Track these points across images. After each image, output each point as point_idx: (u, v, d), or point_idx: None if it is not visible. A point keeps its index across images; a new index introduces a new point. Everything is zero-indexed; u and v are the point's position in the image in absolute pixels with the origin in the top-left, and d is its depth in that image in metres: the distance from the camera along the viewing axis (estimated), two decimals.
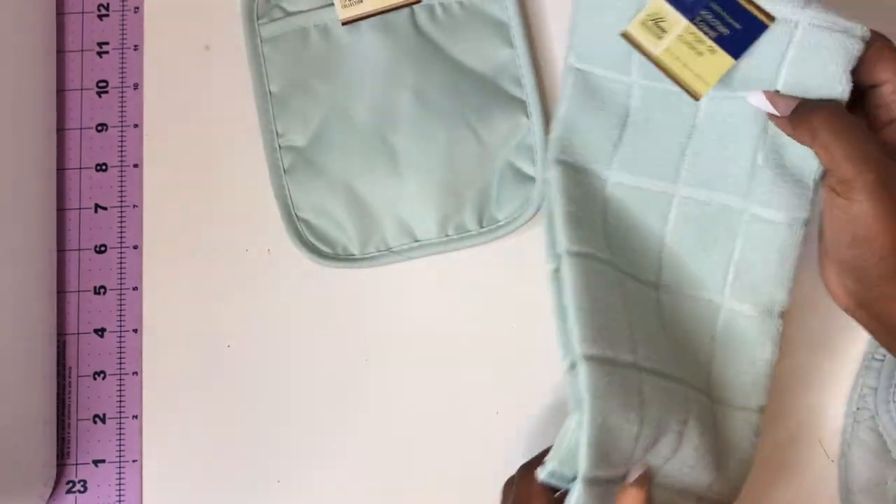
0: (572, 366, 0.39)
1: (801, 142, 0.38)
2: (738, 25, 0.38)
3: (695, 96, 0.39)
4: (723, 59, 0.38)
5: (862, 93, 0.39)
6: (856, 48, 0.37)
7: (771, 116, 0.40)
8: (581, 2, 0.43)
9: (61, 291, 0.50)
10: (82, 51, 0.52)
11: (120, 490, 0.48)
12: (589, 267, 0.42)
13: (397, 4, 0.47)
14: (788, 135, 0.39)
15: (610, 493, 0.38)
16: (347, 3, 0.48)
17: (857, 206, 0.36)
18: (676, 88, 0.39)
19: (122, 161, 0.51)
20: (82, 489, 0.48)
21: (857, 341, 0.48)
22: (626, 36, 0.39)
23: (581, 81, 0.45)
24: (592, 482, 0.37)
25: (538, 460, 0.40)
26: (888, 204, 0.35)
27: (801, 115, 0.38)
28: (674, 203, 0.44)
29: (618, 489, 0.39)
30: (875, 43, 0.38)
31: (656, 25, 0.38)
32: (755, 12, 0.38)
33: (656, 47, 0.38)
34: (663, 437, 0.39)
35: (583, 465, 0.37)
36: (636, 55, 0.40)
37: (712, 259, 0.44)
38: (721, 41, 0.38)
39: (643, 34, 0.38)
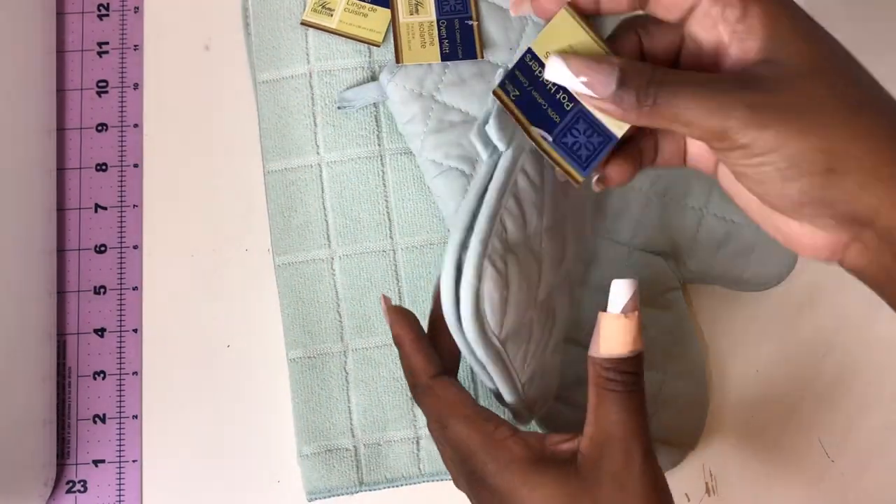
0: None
1: (646, 125, 0.30)
2: None
3: (375, 44, 0.48)
4: (383, 13, 0.48)
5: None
6: None
7: (583, 97, 0.31)
8: (254, 16, 0.49)
9: (61, 291, 0.50)
10: (82, 50, 0.52)
11: (120, 490, 0.48)
12: (297, 272, 0.47)
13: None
14: (617, 118, 0.31)
15: (339, 458, 0.46)
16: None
17: (764, 142, 0.28)
18: (347, 65, 0.48)
19: (122, 161, 0.51)
20: (82, 489, 0.48)
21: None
22: (305, 23, 0.48)
23: (267, 93, 0.49)
24: (312, 456, 0.46)
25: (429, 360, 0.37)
26: (790, 121, 0.28)
27: (637, 93, 0.29)
28: (386, 162, 0.48)
29: (346, 455, 0.46)
30: None
31: (324, 8, 0.48)
32: None
33: (331, 22, 0.48)
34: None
35: (298, 444, 0.46)
36: (310, 42, 0.48)
37: (431, 200, 0.47)
38: (374, 1, 0.49)
39: (317, 17, 0.48)
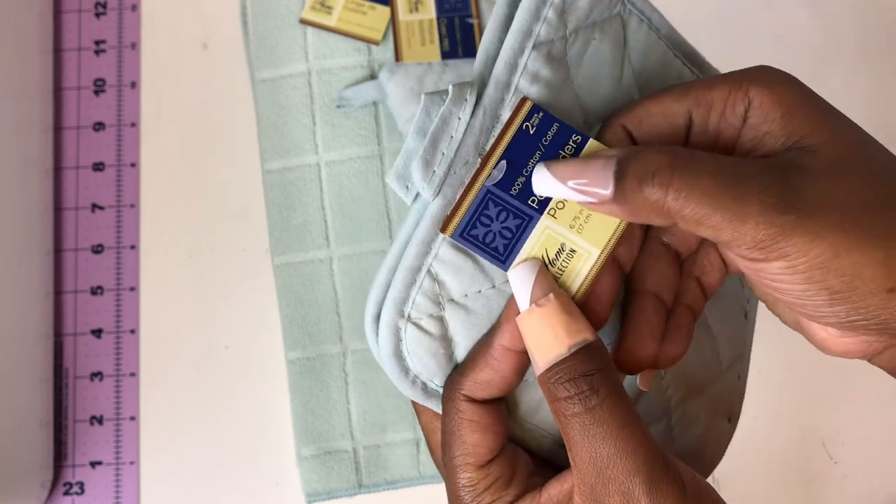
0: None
1: (652, 223, 0.25)
2: None
3: (375, 43, 0.48)
4: (383, 11, 0.48)
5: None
6: None
7: (586, 206, 0.26)
8: (253, 14, 0.49)
9: (58, 292, 0.50)
10: (79, 49, 0.52)
11: (117, 492, 0.48)
12: (296, 272, 0.47)
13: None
14: (620, 217, 0.26)
15: (338, 460, 0.46)
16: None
17: (805, 259, 0.23)
18: (346, 64, 0.48)
19: (119, 160, 0.51)
20: (79, 491, 0.48)
21: None
22: (304, 21, 0.48)
23: (266, 92, 0.49)
24: (311, 458, 0.46)
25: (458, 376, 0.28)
26: (842, 230, 0.23)
27: (632, 192, 0.25)
28: (386, 161, 0.48)
29: (345, 457, 0.45)
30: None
31: (322, 6, 0.48)
32: None
33: (330, 20, 0.47)
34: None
35: (297, 446, 0.46)
36: (309, 40, 0.48)
37: None
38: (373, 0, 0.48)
39: (316, 15, 0.48)
